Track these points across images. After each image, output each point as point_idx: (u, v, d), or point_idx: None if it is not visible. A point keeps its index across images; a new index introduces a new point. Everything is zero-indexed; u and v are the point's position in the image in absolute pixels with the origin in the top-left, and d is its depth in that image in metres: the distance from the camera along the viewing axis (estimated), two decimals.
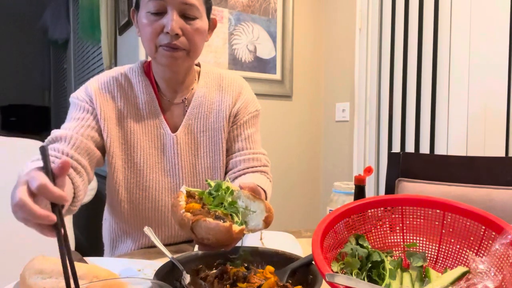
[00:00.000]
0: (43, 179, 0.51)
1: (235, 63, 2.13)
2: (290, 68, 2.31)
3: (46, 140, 0.89)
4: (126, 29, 2.18)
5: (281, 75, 2.28)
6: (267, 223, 0.71)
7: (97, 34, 2.50)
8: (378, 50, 2.08)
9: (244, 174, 1.02)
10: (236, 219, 0.70)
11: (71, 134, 0.87)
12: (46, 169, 0.52)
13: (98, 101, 0.94)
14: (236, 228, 0.65)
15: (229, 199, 0.72)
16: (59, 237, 0.49)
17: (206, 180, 0.77)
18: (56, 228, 0.50)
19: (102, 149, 0.95)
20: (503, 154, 1.56)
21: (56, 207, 0.51)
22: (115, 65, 2.41)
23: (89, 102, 0.94)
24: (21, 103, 5.03)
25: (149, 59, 1.03)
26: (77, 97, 0.95)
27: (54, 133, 0.88)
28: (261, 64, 2.22)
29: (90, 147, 0.90)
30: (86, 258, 0.73)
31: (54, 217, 0.50)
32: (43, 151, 0.51)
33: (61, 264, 0.46)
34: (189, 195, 0.74)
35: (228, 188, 0.73)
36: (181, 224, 0.67)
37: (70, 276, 0.46)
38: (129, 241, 1.03)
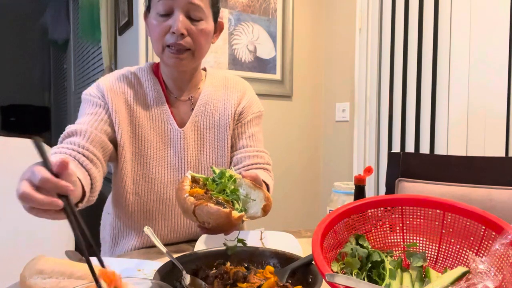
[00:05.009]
0: (44, 172, 0.53)
1: (235, 63, 2.13)
2: (290, 68, 2.31)
3: (61, 135, 0.92)
4: (126, 29, 2.18)
5: (281, 75, 2.28)
6: (265, 211, 0.74)
7: (97, 34, 2.50)
8: (378, 50, 2.08)
9: (247, 170, 1.04)
10: (236, 205, 0.73)
11: (86, 128, 0.91)
12: (44, 162, 0.54)
13: (110, 96, 0.98)
14: (235, 214, 0.69)
15: (232, 187, 0.75)
16: (70, 220, 0.51)
17: (211, 167, 0.81)
18: (66, 213, 0.52)
19: (115, 143, 0.98)
20: (503, 154, 1.56)
21: (63, 197, 0.53)
22: (115, 65, 2.41)
23: (101, 98, 0.98)
24: (21, 103, 5.03)
25: (155, 60, 1.08)
26: (90, 93, 0.99)
27: (69, 128, 0.92)
28: (261, 64, 2.22)
29: (104, 141, 0.93)
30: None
31: (59, 202, 0.52)
32: (38, 145, 0.52)
33: (80, 250, 0.48)
34: (194, 180, 0.77)
35: (231, 176, 0.76)
36: (184, 207, 0.70)
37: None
38: (131, 237, 1.04)
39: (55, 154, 0.85)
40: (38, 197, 0.52)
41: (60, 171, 0.55)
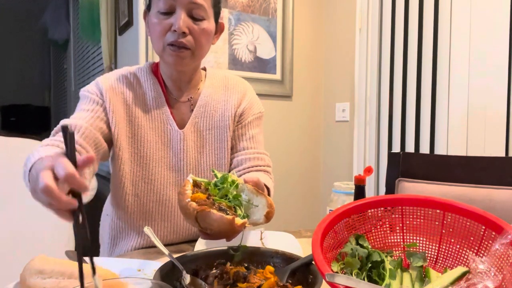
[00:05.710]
0: (70, 167, 0.52)
1: (235, 63, 2.13)
2: (290, 68, 2.31)
3: (55, 129, 0.90)
4: (126, 29, 2.18)
5: (281, 75, 2.28)
6: (268, 218, 0.73)
7: (97, 34, 2.50)
8: (378, 50, 2.08)
9: (248, 172, 1.04)
10: (239, 211, 0.72)
11: (81, 123, 0.90)
12: (70, 154, 0.53)
13: (108, 95, 0.97)
14: (238, 221, 0.68)
15: (234, 192, 0.74)
16: (77, 223, 0.51)
17: (213, 170, 0.80)
18: (75, 214, 0.51)
19: (109, 142, 0.97)
20: (503, 154, 1.56)
21: (77, 194, 0.53)
22: (115, 65, 2.41)
23: (99, 95, 0.97)
24: (21, 103, 5.02)
25: (155, 60, 1.08)
26: (88, 90, 0.98)
27: (64, 122, 0.90)
28: (261, 64, 2.22)
29: (98, 138, 0.92)
30: (86, 258, 0.73)
31: (76, 203, 0.51)
32: (69, 135, 0.52)
33: (76, 252, 0.47)
34: (196, 184, 0.76)
35: (233, 181, 0.75)
36: (186, 212, 0.69)
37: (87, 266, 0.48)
38: (130, 238, 1.03)
39: (46, 146, 0.83)
40: (61, 196, 0.51)
41: (83, 166, 0.54)
